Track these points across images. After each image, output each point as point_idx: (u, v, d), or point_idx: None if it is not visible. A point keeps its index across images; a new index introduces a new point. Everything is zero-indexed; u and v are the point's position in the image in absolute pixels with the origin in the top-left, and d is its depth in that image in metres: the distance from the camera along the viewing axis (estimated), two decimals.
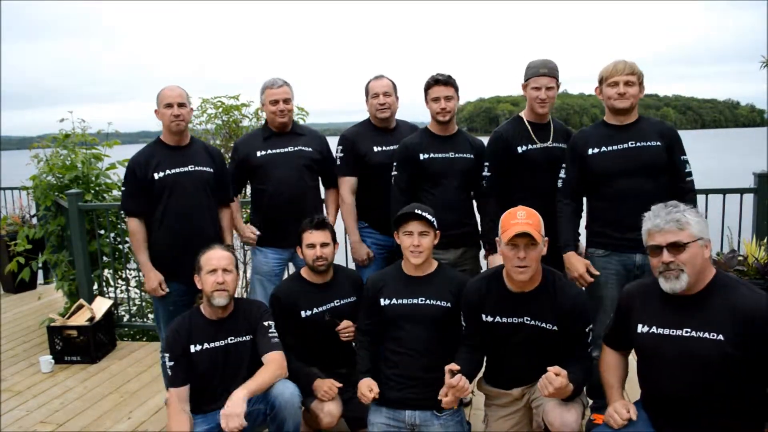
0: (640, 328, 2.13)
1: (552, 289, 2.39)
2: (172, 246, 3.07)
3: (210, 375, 2.57)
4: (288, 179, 3.28)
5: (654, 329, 2.09)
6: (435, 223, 2.62)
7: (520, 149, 2.97)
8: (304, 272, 2.94)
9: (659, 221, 2.03)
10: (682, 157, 2.75)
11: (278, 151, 3.30)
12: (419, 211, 2.59)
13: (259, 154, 3.27)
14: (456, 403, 2.54)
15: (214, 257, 2.60)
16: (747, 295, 1.94)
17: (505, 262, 2.37)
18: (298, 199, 3.28)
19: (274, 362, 2.55)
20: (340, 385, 2.74)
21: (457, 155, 3.10)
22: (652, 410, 2.16)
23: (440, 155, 3.09)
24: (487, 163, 3.01)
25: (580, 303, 2.40)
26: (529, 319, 2.40)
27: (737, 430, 2.00)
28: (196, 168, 3.10)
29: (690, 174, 2.76)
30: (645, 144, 2.71)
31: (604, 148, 2.75)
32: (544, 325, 2.38)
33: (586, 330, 2.40)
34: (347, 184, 3.36)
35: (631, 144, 2.71)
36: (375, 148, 3.31)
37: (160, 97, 3.06)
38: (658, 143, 2.70)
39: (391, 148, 3.27)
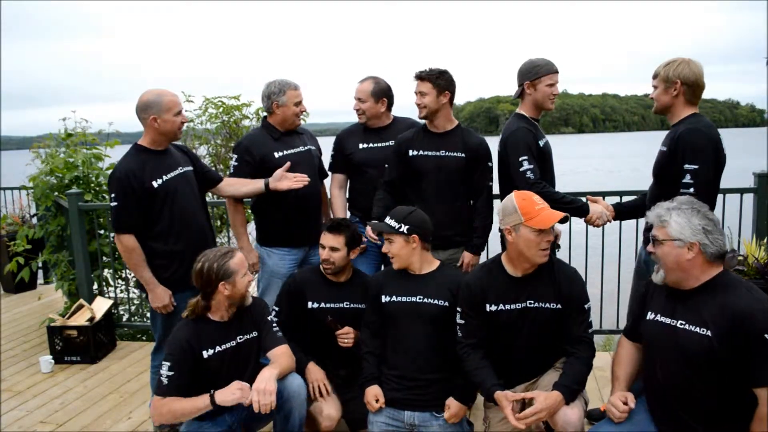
0: (648, 316, 2.21)
1: (551, 269, 2.46)
2: (184, 254, 2.94)
3: (221, 375, 2.56)
4: (309, 179, 3.33)
5: (657, 317, 2.17)
6: (401, 228, 2.59)
7: (540, 143, 3.04)
8: (323, 267, 2.94)
9: (651, 214, 2.17)
10: (685, 166, 2.55)
11: (293, 151, 3.33)
12: (376, 222, 2.74)
13: (277, 154, 3.28)
14: (461, 416, 2.56)
15: (244, 260, 2.61)
16: (741, 297, 1.98)
17: (528, 248, 2.38)
18: (315, 198, 3.40)
19: (286, 354, 2.59)
20: (330, 387, 2.75)
21: (447, 154, 3.11)
22: (648, 397, 2.24)
23: (429, 153, 3.12)
24: (525, 157, 2.91)
25: (578, 280, 2.49)
26: (532, 302, 2.43)
27: (721, 425, 2.04)
28: (184, 169, 3.07)
29: (688, 186, 2.53)
30: (661, 149, 2.72)
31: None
32: (547, 305, 2.43)
33: (585, 307, 2.46)
34: (335, 180, 3.54)
35: (659, 148, 2.74)
36: (360, 146, 3.41)
37: (167, 103, 2.90)
38: (665, 148, 2.67)
39: (378, 145, 3.37)
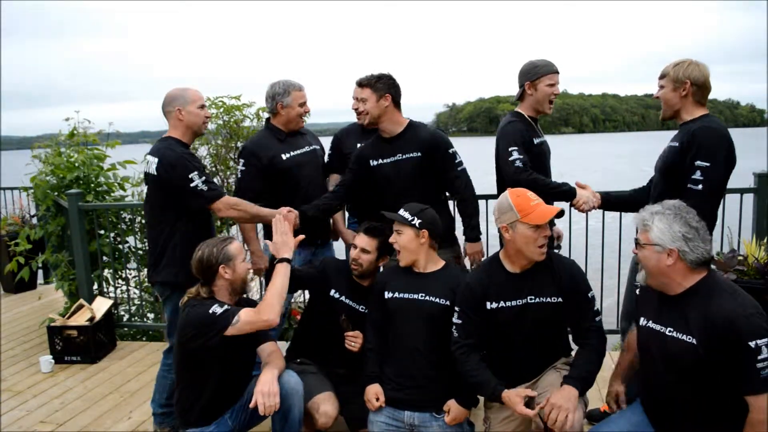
0: (641, 321, 2.21)
1: (549, 262, 2.46)
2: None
3: (232, 368, 2.56)
4: (315, 179, 3.38)
5: (649, 323, 2.17)
6: (413, 220, 2.61)
7: (535, 141, 3.05)
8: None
9: (637, 216, 2.17)
10: (696, 162, 2.56)
11: (299, 152, 3.36)
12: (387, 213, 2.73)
13: (284, 156, 3.30)
14: (461, 420, 2.55)
15: (242, 247, 2.64)
16: (724, 304, 1.95)
17: (526, 244, 2.38)
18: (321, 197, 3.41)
19: (277, 352, 2.63)
20: (343, 371, 2.80)
21: (403, 156, 3.07)
22: (644, 400, 2.25)
23: (388, 160, 3.10)
24: (515, 148, 2.93)
25: (576, 269, 2.50)
26: (532, 297, 2.43)
27: (716, 427, 2.03)
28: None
29: (697, 182, 2.55)
30: (670, 144, 2.72)
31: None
32: (548, 299, 2.43)
33: (589, 296, 2.46)
34: (333, 180, 3.52)
35: (668, 144, 2.74)
36: (359, 146, 3.41)
37: (191, 96, 2.99)
38: (676, 144, 2.67)
39: None
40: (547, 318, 2.45)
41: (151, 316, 5.01)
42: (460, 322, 2.50)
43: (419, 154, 3.05)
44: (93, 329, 4.22)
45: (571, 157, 43.26)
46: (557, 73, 3.06)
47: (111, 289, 4.86)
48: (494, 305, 2.46)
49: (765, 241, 3.12)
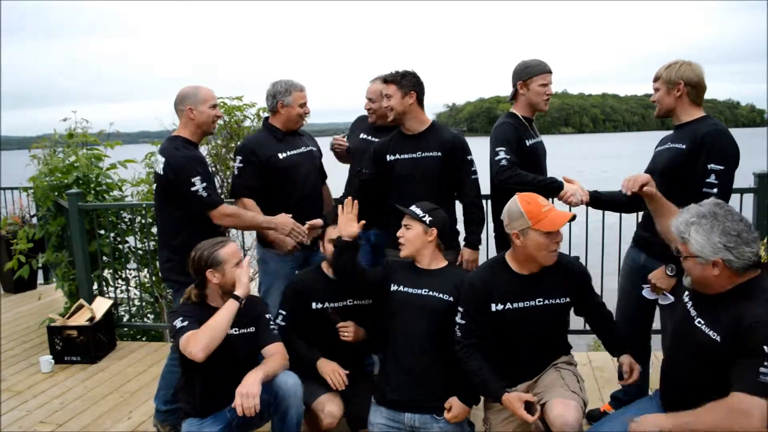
0: (684, 297, 2.17)
1: (557, 262, 2.44)
2: None
3: (223, 366, 2.55)
4: (310, 179, 3.39)
5: (688, 304, 2.11)
6: (424, 217, 2.63)
7: (528, 143, 3.04)
8: (325, 266, 2.94)
9: (672, 224, 2.06)
10: (709, 166, 2.53)
11: (297, 151, 3.37)
12: (399, 206, 2.74)
13: (281, 155, 3.31)
14: (462, 417, 2.55)
15: (237, 251, 2.64)
16: (755, 308, 1.87)
17: (538, 251, 2.37)
18: (317, 198, 3.43)
19: (279, 353, 2.61)
20: (347, 371, 2.74)
21: (424, 154, 3.08)
22: (663, 392, 2.22)
23: (406, 156, 3.10)
24: (503, 148, 2.93)
25: (583, 269, 2.54)
26: (541, 299, 2.43)
27: None
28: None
29: (712, 185, 2.51)
30: (673, 146, 2.69)
31: (657, 148, 2.82)
32: (557, 300, 2.44)
33: (592, 284, 2.53)
34: (325, 190, 3.58)
35: (669, 145, 2.72)
36: (361, 137, 3.47)
37: (203, 95, 3.02)
38: (683, 146, 2.63)
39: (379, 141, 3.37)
40: (554, 318, 2.46)
41: (151, 316, 5.01)
42: (463, 322, 2.49)
43: (440, 153, 3.07)
44: (93, 329, 4.22)
45: (572, 157, 43.26)
46: (550, 72, 3.06)
47: (111, 289, 4.86)
48: (500, 307, 2.44)
49: (765, 241, 3.12)
